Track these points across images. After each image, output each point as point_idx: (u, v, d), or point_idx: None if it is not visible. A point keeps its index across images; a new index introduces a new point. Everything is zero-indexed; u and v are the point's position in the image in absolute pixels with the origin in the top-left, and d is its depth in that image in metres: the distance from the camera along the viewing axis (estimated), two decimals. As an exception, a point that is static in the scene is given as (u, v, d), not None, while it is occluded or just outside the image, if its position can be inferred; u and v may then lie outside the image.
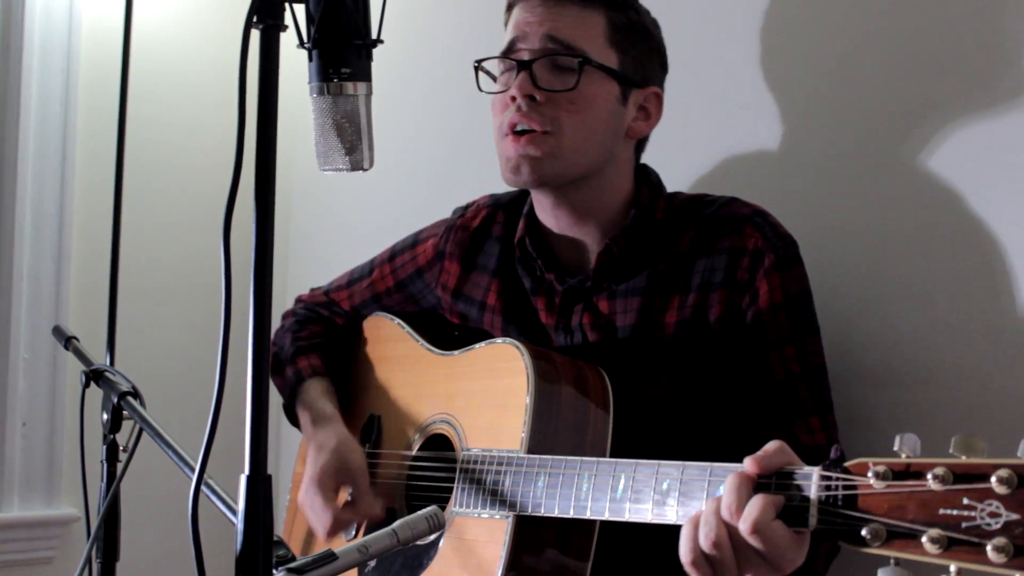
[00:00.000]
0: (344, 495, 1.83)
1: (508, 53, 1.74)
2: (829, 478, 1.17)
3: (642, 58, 1.76)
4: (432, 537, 1.67)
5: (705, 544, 1.25)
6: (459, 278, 1.92)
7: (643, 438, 1.60)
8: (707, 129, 2.07)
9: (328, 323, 2.12)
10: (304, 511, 1.84)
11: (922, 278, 1.76)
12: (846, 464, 1.16)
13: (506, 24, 1.77)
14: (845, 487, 1.15)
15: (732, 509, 1.23)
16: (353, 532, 1.89)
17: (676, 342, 1.67)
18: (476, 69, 1.78)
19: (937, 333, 1.74)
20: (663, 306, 1.69)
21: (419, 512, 1.40)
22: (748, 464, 1.25)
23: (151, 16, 2.88)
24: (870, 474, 1.13)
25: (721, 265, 1.66)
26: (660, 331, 1.69)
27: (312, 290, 2.17)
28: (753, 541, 1.21)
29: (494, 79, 1.78)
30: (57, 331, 2.05)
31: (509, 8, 1.78)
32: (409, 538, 1.36)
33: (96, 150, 2.77)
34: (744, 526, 1.21)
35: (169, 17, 2.94)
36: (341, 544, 1.82)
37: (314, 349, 2.06)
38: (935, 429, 1.72)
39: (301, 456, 2.11)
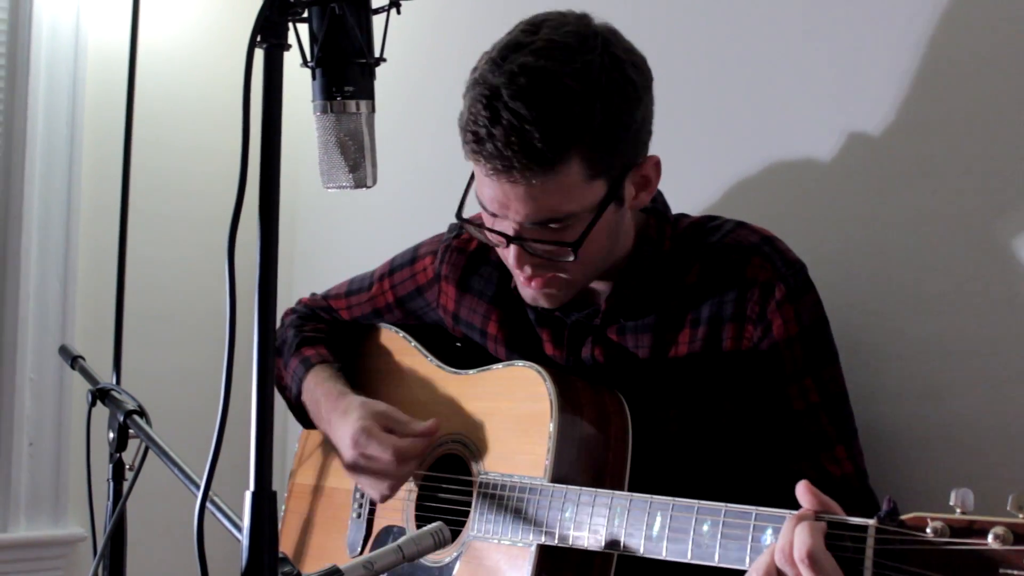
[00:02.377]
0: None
1: (495, 219, 1.60)
2: (886, 531, 1.16)
3: (629, 147, 1.58)
4: (447, 560, 1.66)
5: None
6: (456, 301, 1.89)
7: (658, 471, 1.58)
8: (714, 145, 2.07)
9: (330, 323, 2.08)
10: (359, 467, 1.76)
11: (929, 291, 1.75)
12: (902, 518, 1.15)
13: (467, 157, 1.58)
14: (902, 541, 1.14)
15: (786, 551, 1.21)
16: (359, 548, 1.88)
17: (687, 376, 1.64)
18: (459, 222, 1.66)
19: (943, 347, 1.73)
20: (673, 340, 1.66)
21: (424, 528, 1.40)
22: (804, 493, 1.24)
23: (157, 38, 2.89)
24: (928, 530, 1.12)
25: (730, 298, 1.62)
26: (671, 365, 1.66)
27: (312, 295, 2.14)
28: (807, 573, 1.19)
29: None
30: (64, 351, 2.05)
31: (468, 154, 1.57)
32: (414, 554, 1.36)
33: (102, 171, 2.78)
34: (798, 554, 1.19)
35: (175, 39, 2.95)
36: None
37: (319, 342, 2.02)
38: (943, 444, 1.72)
39: (299, 458, 2.09)
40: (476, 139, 1.51)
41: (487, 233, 1.62)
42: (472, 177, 1.63)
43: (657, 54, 2.18)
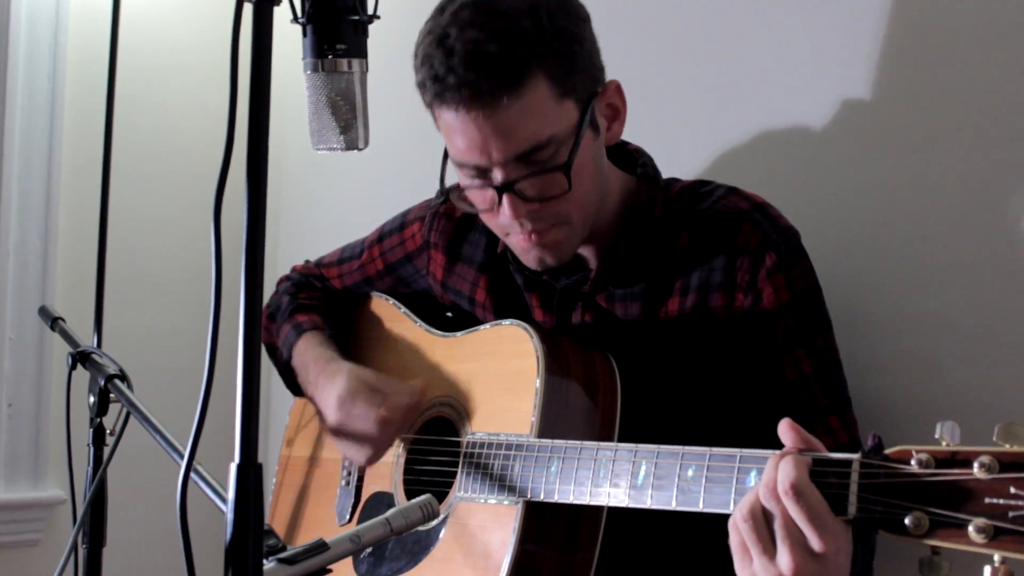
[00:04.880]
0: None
1: (477, 175, 1.56)
2: (870, 465, 1.14)
3: (587, 68, 1.56)
4: (434, 523, 1.64)
5: (739, 514, 1.21)
6: (445, 269, 1.86)
7: (647, 436, 1.56)
8: (709, 116, 2.04)
9: (324, 291, 2.07)
10: (343, 430, 1.74)
11: (926, 264, 1.74)
12: (887, 452, 1.14)
13: (431, 112, 1.57)
14: (886, 475, 1.12)
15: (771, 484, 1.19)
16: (348, 516, 1.86)
17: (676, 345, 1.62)
18: (444, 191, 1.63)
19: (942, 320, 1.71)
20: (663, 308, 1.63)
21: (413, 500, 1.38)
22: (787, 431, 1.22)
23: (140, -9, 2.84)
24: (913, 462, 1.10)
25: (720, 266, 1.59)
26: (659, 333, 1.63)
27: (306, 262, 2.12)
28: (791, 505, 1.16)
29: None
30: (43, 312, 2.02)
31: (431, 104, 1.55)
32: (403, 527, 1.33)
33: (84, 128, 2.73)
34: (782, 487, 1.17)
35: (159, -8, 2.90)
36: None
37: (313, 309, 2.01)
38: (940, 416, 1.70)
39: (293, 430, 2.07)
40: (436, 79, 1.49)
41: (476, 195, 1.59)
42: (446, 154, 1.61)
43: (651, 19, 2.14)
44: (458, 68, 1.47)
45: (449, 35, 1.48)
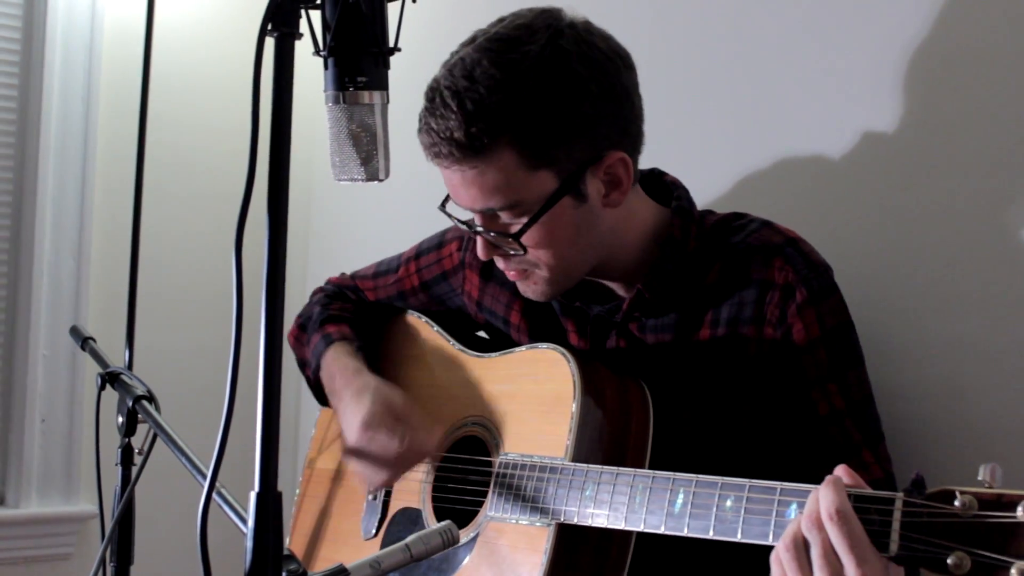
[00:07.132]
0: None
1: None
2: (912, 504, 1.14)
3: (578, 141, 1.56)
4: (463, 541, 1.65)
5: (781, 544, 1.21)
6: (480, 289, 1.88)
7: (674, 463, 1.55)
8: (733, 139, 2.04)
9: (356, 303, 2.08)
10: (362, 452, 1.76)
11: (951, 290, 1.73)
12: (930, 491, 1.14)
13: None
14: (929, 514, 1.12)
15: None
16: (373, 531, 1.87)
17: (705, 374, 1.62)
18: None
19: (967, 346, 1.70)
20: (694, 339, 1.63)
21: (433, 527, 1.39)
22: (842, 471, 1.22)
23: (173, 15, 2.87)
24: (956, 502, 1.10)
25: (750, 300, 1.59)
26: (690, 363, 1.64)
27: (341, 274, 2.14)
28: (833, 531, 1.16)
29: None
30: (74, 331, 2.03)
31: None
32: (423, 553, 1.34)
33: (117, 149, 2.76)
34: (826, 512, 1.16)
35: (191, 16, 2.92)
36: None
37: (344, 320, 2.02)
38: (963, 444, 1.70)
39: (318, 441, 2.08)
40: (420, 128, 1.58)
41: (462, 224, 1.67)
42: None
43: (672, 48, 2.14)
44: (432, 127, 1.55)
45: (438, 88, 1.56)
